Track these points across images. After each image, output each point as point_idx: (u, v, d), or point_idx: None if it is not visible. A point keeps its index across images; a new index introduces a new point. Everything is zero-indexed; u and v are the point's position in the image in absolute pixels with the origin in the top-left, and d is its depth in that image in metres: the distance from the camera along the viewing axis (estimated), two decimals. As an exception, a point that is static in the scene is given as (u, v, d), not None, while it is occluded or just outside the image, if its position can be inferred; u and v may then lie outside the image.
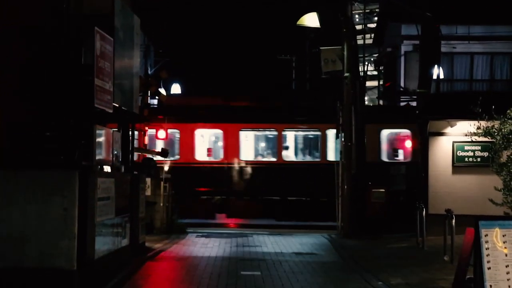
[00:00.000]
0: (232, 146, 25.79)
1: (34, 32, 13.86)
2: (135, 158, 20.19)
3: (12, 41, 13.59)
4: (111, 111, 13.59)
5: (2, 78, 12.86)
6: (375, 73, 41.58)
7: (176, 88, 39.67)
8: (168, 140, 25.02)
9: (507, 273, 9.13)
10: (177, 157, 25.79)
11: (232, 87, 48.23)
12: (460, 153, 20.44)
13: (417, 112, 21.83)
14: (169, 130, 24.51)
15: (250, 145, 26.59)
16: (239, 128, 25.95)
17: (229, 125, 25.85)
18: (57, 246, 11.39)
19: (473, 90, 29.35)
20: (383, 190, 22.22)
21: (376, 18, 41.45)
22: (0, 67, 12.64)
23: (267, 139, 26.98)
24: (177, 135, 26.02)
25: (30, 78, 13.88)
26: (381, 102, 35.71)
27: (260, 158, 26.33)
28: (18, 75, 13.80)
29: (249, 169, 25.62)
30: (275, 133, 26.17)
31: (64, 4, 14.20)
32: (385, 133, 25.54)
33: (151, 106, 23.76)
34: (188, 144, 25.87)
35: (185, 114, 25.61)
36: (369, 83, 40.64)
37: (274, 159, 26.09)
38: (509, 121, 14.64)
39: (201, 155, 25.99)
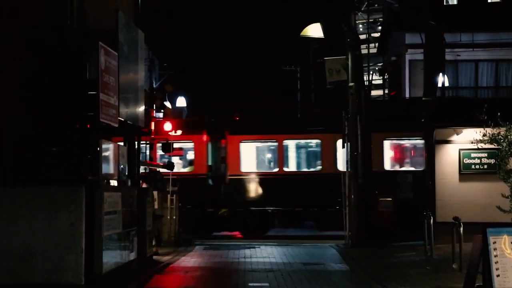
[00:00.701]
0: None
1: (38, 47, 13.92)
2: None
3: (17, 57, 13.65)
4: (116, 125, 13.62)
5: (7, 94, 12.90)
6: (380, 82, 41.60)
7: (181, 101, 39.73)
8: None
9: (516, 280, 9.10)
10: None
11: (238, 99, 48.25)
12: (466, 161, 20.40)
13: (422, 120, 21.79)
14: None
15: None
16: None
17: None
18: (64, 261, 11.41)
19: (479, 97, 29.31)
20: (390, 199, 22.17)
21: (380, 28, 41.48)
22: (5, 83, 12.68)
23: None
24: None
25: (35, 94, 13.93)
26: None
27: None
28: (23, 91, 13.85)
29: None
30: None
31: (68, 20, 14.28)
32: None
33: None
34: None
35: None
36: (374, 92, 40.65)
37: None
38: (515, 127, 14.62)
39: None
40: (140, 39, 16.15)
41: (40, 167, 13.22)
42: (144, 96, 17.08)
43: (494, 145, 15.36)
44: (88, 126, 13.95)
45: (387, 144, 24.73)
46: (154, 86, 38.40)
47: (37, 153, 13.46)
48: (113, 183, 14.41)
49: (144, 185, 18.77)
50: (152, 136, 21.60)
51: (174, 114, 27.52)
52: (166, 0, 39.76)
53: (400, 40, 31.67)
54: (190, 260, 17.50)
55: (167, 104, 25.09)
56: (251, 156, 25.66)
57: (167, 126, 22.56)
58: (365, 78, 28.75)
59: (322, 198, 24.46)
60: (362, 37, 36.98)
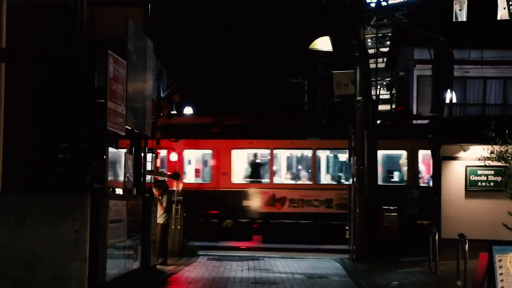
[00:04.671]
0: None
1: (47, 57, 13.99)
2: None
3: (28, 68, 13.72)
4: (123, 133, 13.64)
5: (16, 103, 12.93)
6: (388, 97, 41.58)
7: (188, 111, 39.79)
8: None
9: (521, 299, 9.06)
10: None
11: (246, 109, 48.30)
12: (473, 178, 20.33)
13: (429, 136, 21.75)
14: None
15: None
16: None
17: None
18: (68, 269, 11.39)
19: (486, 115, 29.26)
20: (395, 214, 22.11)
21: (388, 42, 41.48)
22: (14, 92, 12.71)
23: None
24: None
25: (43, 102, 13.99)
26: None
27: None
28: (32, 99, 13.91)
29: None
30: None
31: (77, 30, 14.35)
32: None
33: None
34: None
35: None
36: (381, 107, 40.61)
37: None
38: (523, 145, 14.58)
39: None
40: (149, 48, 16.18)
41: (47, 174, 13.24)
42: (152, 105, 17.09)
43: (502, 163, 15.33)
44: (95, 134, 13.98)
45: None
46: (161, 95, 38.51)
47: (44, 160, 13.48)
48: (119, 191, 14.41)
49: (156, 193, 18.78)
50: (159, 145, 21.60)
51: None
52: (177, 13, 39.87)
53: (409, 55, 31.68)
54: (194, 270, 17.47)
55: (174, 113, 25.11)
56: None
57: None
58: (373, 92, 28.70)
59: None
60: (371, 51, 36.99)
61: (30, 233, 11.43)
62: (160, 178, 21.20)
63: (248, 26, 31.61)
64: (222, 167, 25.29)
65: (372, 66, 30.92)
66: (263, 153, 26.19)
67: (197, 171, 26.31)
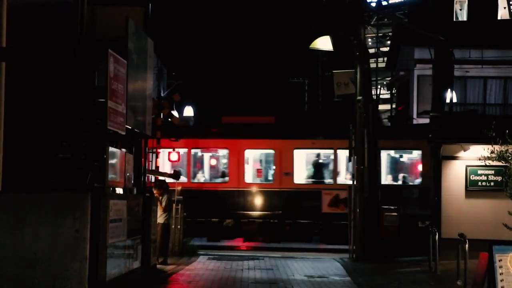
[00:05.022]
0: None
1: (47, 57, 13.99)
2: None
3: (29, 68, 13.72)
4: (124, 133, 13.64)
5: (16, 102, 12.94)
6: (388, 96, 41.58)
7: (188, 111, 39.74)
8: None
9: (522, 298, 9.06)
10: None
11: (246, 109, 48.29)
12: (473, 177, 20.33)
13: (430, 135, 21.75)
14: None
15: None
16: None
17: None
18: (68, 268, 11.39)
19: (487, 114, 29.25)
20: (395, 213, 22.11)
21: (389, 42, 41.48)
22: (15, 91, 12.72)
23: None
24: None
25: (43, 102, 13.98)
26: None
27: None
28: (32, 99, 13.91)
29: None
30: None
31: (78, 30, 14.35)
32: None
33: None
34: None
35: None
36: (381, 107, 40.61)
37: None
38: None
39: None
40: (149, 47, 16.18)
41: (47, 174, 13.24)
42: (152, 104, 17.09)
43: (502, 163, 15.33)
44: (95, 133, 13.98)
45: None
46: (162, 95, 38.47)
47: (44, 160, 13.48)
48: (119, 191, 14.41)
49: (156, 193, 18.76)
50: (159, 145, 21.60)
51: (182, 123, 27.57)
52: (177, 13, 39.88)
53: (409, 55, 31.68)
54: (194, 270, 17.47)
55: (175, 113, 25.10)
56: None
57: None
58: (373, 92, 28.69)
59: None
60: (371, 51, 37.00)
61: (30, 233, 11.43)
62: (161, 178, 21.20)
63: (248, 26, 31.59)
64: (284, 167, 25.01)
65: (373, 65, 30.93)
66: (325, 153, 25.95)
67: (258, 171, 26.15)
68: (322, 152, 25.90)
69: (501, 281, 9.27)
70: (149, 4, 16.82)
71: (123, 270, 13.48)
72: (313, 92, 45.85)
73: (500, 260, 9.36)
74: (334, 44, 24.42)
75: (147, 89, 16.08)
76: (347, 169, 25.77)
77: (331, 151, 25.59)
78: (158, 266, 17.58)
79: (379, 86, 39.04)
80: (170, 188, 19.75)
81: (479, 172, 20.16)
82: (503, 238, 14.45)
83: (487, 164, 16.13)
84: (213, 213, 25.16)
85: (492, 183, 20.16)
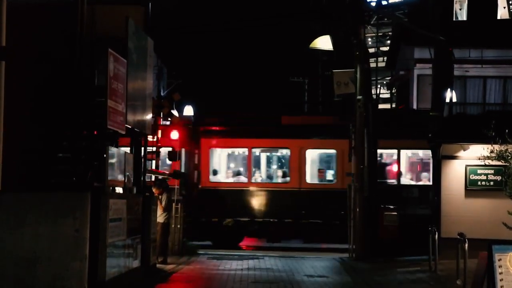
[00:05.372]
0: None
1: (47, 57, 13.99)
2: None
3: (29, 68, 13.72)
4: (123, 132, 13.64)
5: (16, 102, 12.95)
6: (388, 96, 41.58)
7: (188, 110, 39.73)
8: None
9: (521, 298, 9.06)
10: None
11: (246, 109, 48.30)
12: (473, 177, 20.33)
13: (429, 135, 21.75)
14: None
15: None
16: None
17: None
18: (68, 268, 11.40)
19: (486, 113, 29.25)
20: (395, 213, 22.12)
21: (389, 41, 41.47)
22: (15, 91, 12.72)
23: None
24: None
25: (43, 101, 13.98)
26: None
27: None
28: (32, 98, 13.91)
29: None
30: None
31: (78, 30, 14.34)
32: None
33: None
34: None
35: None
36: (381, 106, 40.61)
37: None
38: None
39: None
40: (149, 47, 16.19)
41: (47, 173, 13.24)
42: (152, 104, 17.10)
43: (502, 162, 15.33)
44: (95, 132, 13.98)
45: None
46: (162, 94, 38.50)
47: (44, 160, 13.49)
48: (119, 190, 14.42)
49: (156, 192, 18.76)
50: (159, 144, 21.61)
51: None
52: (177, 13, 39.88)
53: (409, 55, 31.68)
54: (194, 269, 17.48)
55: (175, 112, 25.09)
56: None
57: (174, 134, 22.65)
58: (373, 91, 28.68)
59: None
60: (371, 50, 36.98)
61: (30, 232, 11.45)
62: (160, 177, 21.21)
63: (248, 26, 31.58)
64: (347, 168, 24.68)
65: (373, 65, 30.90)
66: (388, 153, 25.66)
67: (320, 171, 25.78)
68: (385, 152, 25.58)
69: (500, 280, 9.28)
70: (149, 4, 16.82)
71: (123, 269, 13.49)
72: (313, 92, 45.85)
73: (499, 260, 9.37)
74: (334, 43, 24.46)
75: (147, 89, 16.09)
76: (410, 170, 25.65)
77: (395, 151, 25.31)
78: (158, 265, 17.59)
79: (379, 86, 39.02)
80: (169, 186, 19.76)
81: (479, 171, 20.16)
82: (503, 238, 14.41)
83: (487, 163, 16.13)
84: (271, 214, 24.82)
85: (491, 183, 20.15)
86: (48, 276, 11.39)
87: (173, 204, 20.11)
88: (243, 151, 25.41)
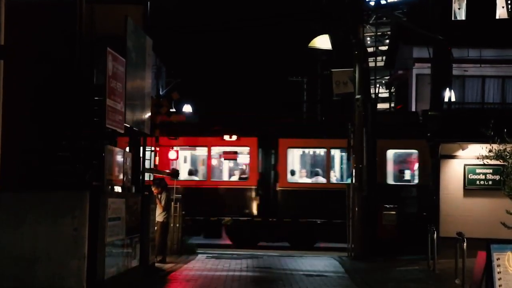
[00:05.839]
0: None
1: (47, 56, 13.99)
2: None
3: (28, 68, 13.72)
4: (122, 131, 13.64)
5: (16, 101, 12.96)
6: (387, 95, 41.63)
7: (187, 109, 39.78)
8: None
9: (519, 297, 9.08)
10: None
11: (244, 108, 48.26)
12: (471, 176, 20.37)
13: (428, 134, 21.78)
14: None
15: None
16: None
17: None
18: (67, 267, 11.41)
19: (485, 113, 29.27)
20: (394, 212, 22.12)
21: (387, 41, 41.51)
22: (14, 91, 12.73)
23: None
24: None
25: (42, 100, 13.97)
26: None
27: None
28: (31, 98, 13.91)
29: None
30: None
31: (77, 29, 14.33)
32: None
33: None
34: None
35: None
36: (380, 105, 40.64)
37: None
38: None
39: None
40: (148, 45, 16.19)
41: (46, 172, 13.25)
42: (151, 103, 17.10)
43: (500, 161, 15.36)
44: (94, 132, 13.98)
45: None
46: (160, 93, 38.49)
47: (43, 159, 13.49)
48: (118, 189, 14.43)
49: (155, 191, 18.74)
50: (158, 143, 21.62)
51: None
52: (177, 12, 39.85)
53: (408, 54, 31.71)
54: (192, 268, 17.49)
55: (173, 111, 25.07)
56: None
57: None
58: (372, 91, 28.72)
59: None
60: (370, 50, 37.04)
61: (29, 232, 11.46)
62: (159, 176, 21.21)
63: (248, 26, 31.57)
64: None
65: (372, 64, 30.97)
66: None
67: (400, 172, 25.20)
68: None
69: (499, 279, 9.30)
70: (148, 3, 16.83)
71: (122, 268, 13.50)
72: (312, 91, 45.81)
73: (498, 259, 9.39)
74: (333, 43, 24.45)
75: (145, 88, 16.09)
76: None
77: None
78: (156, 264, 17.60)
79: (378, 85, 39.07)
80: (168, 186, 19.76)
81: (477, 171, 20.21)
82: (501, 237, 14.43)
83: (485, 163, 16.15)
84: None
85: (490, 182, 20.20)
86: (46, 274, 11.40)
87: (172, 203, 20.11)
88: (323, 151, 25.05)
